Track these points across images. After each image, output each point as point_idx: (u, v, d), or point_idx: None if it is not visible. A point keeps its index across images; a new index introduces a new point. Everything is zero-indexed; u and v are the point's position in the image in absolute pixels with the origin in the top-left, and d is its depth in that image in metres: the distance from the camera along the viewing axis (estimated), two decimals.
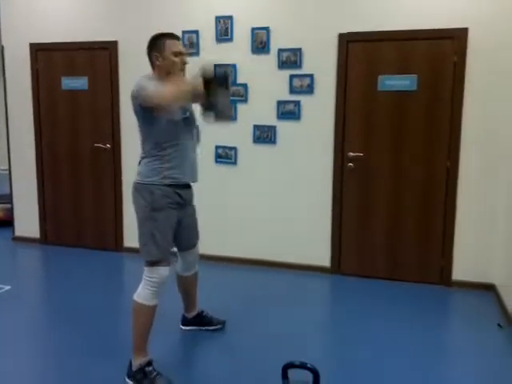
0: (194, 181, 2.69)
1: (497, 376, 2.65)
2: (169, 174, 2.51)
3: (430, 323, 3.29)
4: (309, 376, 2.33)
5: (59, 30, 4.73)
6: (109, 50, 4.61)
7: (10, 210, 5.28)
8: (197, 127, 2.71)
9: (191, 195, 2.77)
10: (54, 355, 2.84)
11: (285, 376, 2.41)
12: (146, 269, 2.52)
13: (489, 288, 3.84)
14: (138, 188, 2.55)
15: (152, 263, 2.50)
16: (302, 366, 2.40)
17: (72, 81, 4.78)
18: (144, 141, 2.56)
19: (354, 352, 2.89)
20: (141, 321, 2.52)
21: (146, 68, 4.59)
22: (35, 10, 4.78)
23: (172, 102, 2.34)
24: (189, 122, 2.60)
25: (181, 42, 2.58)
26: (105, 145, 4.77)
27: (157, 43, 2.52)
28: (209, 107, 2.32)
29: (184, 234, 2.75)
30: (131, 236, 4.79)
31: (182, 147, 2.53)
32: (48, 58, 4.83)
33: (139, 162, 2.60)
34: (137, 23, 4.49)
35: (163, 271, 2.51)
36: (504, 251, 3.65)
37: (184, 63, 2.55)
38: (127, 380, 2.52)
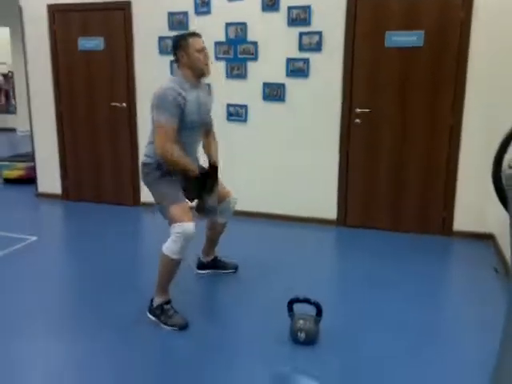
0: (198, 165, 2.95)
1: (488, 312, 2.88)
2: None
3: (432, 270, 3.49)
4: (312, 311, 2.59)
5: None
6: (123, 10, 4.73)
7: (33, 168, 5.55)
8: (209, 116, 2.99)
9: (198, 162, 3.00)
10: (80, 293, 3.16)
11: (290, 309, 2.67)
12: (171, 227, 2.68)
13: (488, 237, 4.02)
14: (146, 165, 2.78)
15: (173, 219, 2.66)
16: (306, 300, 2.65)
17: (88, 41, 4.93)
18: (153, 127, 2.75)
19: (357, 294, 3.12)
20: (166, 269, 2.72)
21: (159, 28, 4.73)
22: None
23: (167, 163, 2.68)
24: (200, 108, 2.80)
25: (202, 39, 2.76)
26: (121, 104, 4.96)
27: (181, 43, 2.71)
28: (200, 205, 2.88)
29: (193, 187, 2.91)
30: (148, 192, 5.03)
31: (188, 142, 2.79)
32: (65, 19, 4.97)
33: (148, 143, 2.82)
34: None
35: (187, 226, 2.63)
36: None
37: (207, 58, 2.76)
38: (148, 314, 2.79)
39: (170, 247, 2.67)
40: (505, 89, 3.80)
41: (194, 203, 2.88)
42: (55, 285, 3.28)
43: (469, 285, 3.27)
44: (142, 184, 5.03)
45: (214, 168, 2.88)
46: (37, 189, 5.51)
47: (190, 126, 2.75)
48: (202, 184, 2.80)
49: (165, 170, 2.74)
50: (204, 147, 3.10)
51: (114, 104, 4.98)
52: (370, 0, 4.01)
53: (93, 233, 4.31)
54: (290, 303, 2.65)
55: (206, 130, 3.04)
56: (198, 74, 2.76)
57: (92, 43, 4.92)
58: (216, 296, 3.18)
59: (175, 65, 2.79)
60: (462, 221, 4.11)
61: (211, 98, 3.05)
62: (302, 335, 2.53)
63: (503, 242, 3.71)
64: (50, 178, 5.40)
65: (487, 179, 3.95)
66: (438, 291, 3.18)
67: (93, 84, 5.02)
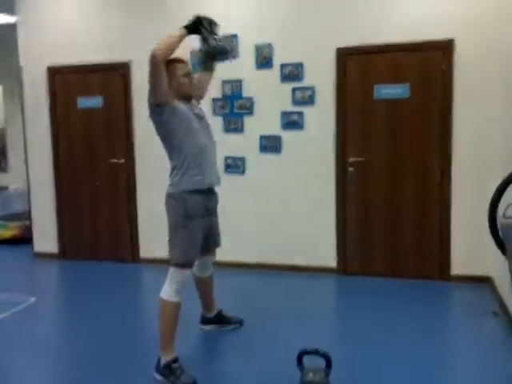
0: (218, 183, 2.96)
1: (494, 359, 2.90)
2: (198, 180, 2.77)
3: (432, 316, 3.51)
4: (322, 363, 2.60)
5: (74, 52, 5.04)
6: (122, 70, 4.93)
7: (28, 227, 5.52)
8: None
9: (217, 201, 3.03)
10: (81, 359, 3.07)
11: (300, 362, 2.67)
12: (172, 269, 2.75)
13: (486, 280, 4.08)
14: (172, 197, 2.80)
15: (179, 265, 2.74)
16: (316, 352, 2.66)
17: (87, 100, 5.09)
18: (170, 154, 2.83)
19: (362, 345, 3.11)
20: (167, 317, 2.74)
21: None
22: (51, 32, 5.10)
23: (169, 47, 2.65)
24: (203, 126, 2.88)
25: (188, 64, 2.91)
26: (119, 160, 5.07)
27: (169, 68, 2.80)
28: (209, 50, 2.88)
29: (208, 238, 2.97)
30: (147, 247, 5.07)
31: (202, 152, 2.80)
32: (64, 80, 5.15)
33: (170, 174, 2.85)
34: (148, 45, 4.78)
35: (187, 272, 2.77)
36: None
37: (192, 82, 2.89)
38: (155, 375, 2.75)
39: (167, 291, 2.73)
40: (489, 130, 3.99)
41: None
42: (57, 349, 3.23)
43: (470, 332, 3.27)
44: (140, 240, 5.07)
45: (196, 17, 2.84)
46: (33, 248, 5.46)
47: (190, 129, 2.76)
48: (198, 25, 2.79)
49: (190, 206, 2.74)
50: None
51: (112, 160, 5.08)
52: (358, 56, 4.24)
53: (92, 292, 4.27)
54: (300, 356, 2.65)
55: None
56: (185, 96, 2.83)
57: (91, 102, 5.07)
58: (222, 351, 3.15)
59: None
60: (460, 264, 4.18)
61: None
62: None
63: (501, 284, 3.77)
64: (46, 237, 5.37)
65: (481, 221, 4.06)
66: (441, 339, 3.18)
67: (91, 141, 5.14)
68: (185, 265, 2.76)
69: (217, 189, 3.03)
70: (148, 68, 2.65)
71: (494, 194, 1.29)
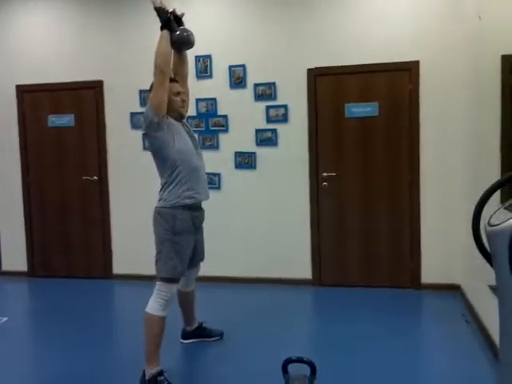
0: (207, 197, 3.03)
1: (466, 364, 3.05)
2: (189, 195, 2.82)
3: (404, 324, 3.65)
4: (306, 371, 2.65)
5: (45, 71, 5.01)
6: (94, 88, 4.93)
7: None
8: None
9: (203, 216, 3.10)
10: (56, 380, 2.99)
11: (285, 371, 2.72)
12: (159, 284, 2.78)
13: (455, 288, 4.27)
14: (161, 212, 2.83)
15: (167, 280, 2.76)
16: (300, 360, 2.72)
17: (58, 118, 5.05)
18: (162, 169, 2.86)
19: (340, 353, 3.20)
20: (153, 331, 2.76)
21: (130, 104, 4.96)
22: (20, 50, 5.05)
23: (164, 51, 2.76)
24: (194, 144, 2.95)
25: (178, 84, 2.97)
26: (92, 177, 5.03)
27: None
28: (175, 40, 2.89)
29: (194, 253, 3.00)
30: (120, 263, 5.02)
31: (194, 168, 2.86)
32: (34, 98, 5.10)
33: (160, 190, 2.89)
34: (121, 63, 4.85)
35: (174, 287, 2.82)
36: (466, 254, 4.11)
37: (183, 101, 2.95)
38: None
39: (154, 306, 2.75)
40: (453, 145, 4.23)
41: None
42: (30, 369, 3.17)
43: (442, 338, 3.41)
44: (114, 256, 5.03)
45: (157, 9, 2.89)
46: (0, 267, 5.32)
47: (184, 150, 2.81)
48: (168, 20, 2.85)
49: (179, 222, 2.78)
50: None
51: (85, 178, 5.04)
52: (329, 77, 4.43)
53: (65, 310, 4.19)
54: (285, 364, 2.70)
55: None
56: (176, 115, 2.90)
57: (62, 120, 5.04)
58: (205, 364, 3.16)
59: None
60: (430, 273, 4.36)
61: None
62: None
63: (470, 291, 3.96)
64: (15, 255, 5.25)
65: (450, 231, 4.28)
66: (415, 344, 3.33)
67: (63, 159, 5.08)
68: (172, 280, 2.78)
69: None
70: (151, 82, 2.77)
71: (477, 204, 1.38)
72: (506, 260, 1.14)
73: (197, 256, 3.09)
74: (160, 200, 2.86)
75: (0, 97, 5.17)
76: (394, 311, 3.91)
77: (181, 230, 2.81)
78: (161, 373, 2.76)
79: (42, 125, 5.09)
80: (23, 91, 5.10)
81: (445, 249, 4.31)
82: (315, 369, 2.65)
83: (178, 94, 2.91)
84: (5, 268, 5.31)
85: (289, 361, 2.72)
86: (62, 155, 5.09)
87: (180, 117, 2.95)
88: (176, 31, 2.88)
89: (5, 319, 3.95)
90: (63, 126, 5.04)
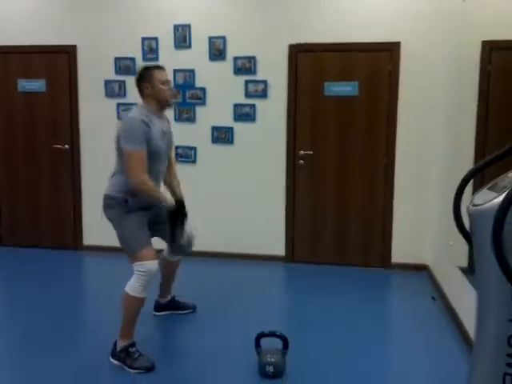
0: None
1: (431, 339, 3.15)
2: (140, 195, 2.75)
3: (374, 301, 3.74)
4: (278, 344, 2.69)
5: (16, 33, 4.78)
6: (68, 53, 4.74)
7: None
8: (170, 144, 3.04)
9: (161, 212, 2.94)
10: (29, 344, 3.01)
11: (258, 344, 2.75)
12: (134, 265, 2.70)
13: (423, 268, 4.38)
14: (112, 196, 2.77)
15: (138, 257, 2.69)
16: (272, 334, 2.76)
17: (29, 83, 4.85)
18: (120, 158, 2.77)
19: (311, 327, 3.28)
20: (131, 310, 2.72)
21: (105, 72, 4.81)
22: None
23: (140, 192, 2.70)
24: (166, 142, 2.89)
25: (166, 72, 2.88)
26: (63, 146, 4.88)
27: (146, 74, 2.80)
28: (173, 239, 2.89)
29: (166, 228, 2.92)
30: (90, 234, 4.94)
31: (156, 165, 2.80)
32: (4, 60, 4.87)
33: (112, 176, 2.83)
34: (96, 29, 4.67)
35: (150, 265, 2.68)
36: (434, 236, 4.22)
37: (170, 89, 2.87)
38: (111, 359, 2.74)
39: (133, 287, 2.69)
40: (430, 129, 4.28)
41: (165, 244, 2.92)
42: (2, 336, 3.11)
43: (410, 314, 3.51)
44: (84, 226, 4.94)
45: (180, 203, 2.92)
46: None
47: (156, 154, 2.76)
48: (173, 220, 2.84)
49: (130, 204, 2.74)
50: (166, 183, 3.12)
51: (56, 146, 4.88)
52: (310, 54, 4.38)
53: (34, 280, 4.12)
54: (257, 338, 2.73)
55: (169, 162, 3.06)
56: (162, 104, 2.84)
57: (33, 85, 4.84)
58: (178, 336, 3.18)
59: (140, 97, 2.85)
60: (399, 254, 4.46)
61: (171, 130, 3.07)
62: (270, 369, 2.61)
63: (437, 271, 4.08)
64: None
65: (421, 214, 4.37)
66: (384, 320, 3.44)
67: (34, 126, 4.91)
68: (143, 255, 2.69)
69: None
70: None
71: (460, 183, 1.38)
72: (488, 240, 1.15)
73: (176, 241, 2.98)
74: (111, 186, 2.81)
75: None
76: (363, 289, 3.99)
77: (133, 208, 2.75)
78: (132, 344, 2.75)
79: (12, 89, 4.88)
80: None
81: (416, 230, 4.40)
82: (287, 342, 2.69)
83: (166, 82, 2.84)
84: None
85: (261, 335, 2.75)
86: (32, 122, 4.91)
87: (165, 106, 2.88)
88: (181, 235, 2.87)
89: None
90: (34, 91, 4.85)
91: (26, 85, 4.86)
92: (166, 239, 3.05)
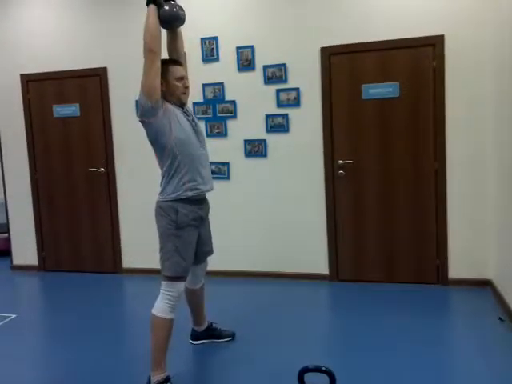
0: (211, 188, 2.79)
1: (497, 367, 2.72)
2: (190, 186, 2.60)
3: (431, 321, 3.35)
4: (324, 380, 2.39)
5: (49, 59, 4.84)
6: (99, 76, 4.73)
7: (7, 240, 5.31)
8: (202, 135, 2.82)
9: (208, 209, 2.88)
10: (73, 376, 2.87)
11: (301, 381, 2.46)
12: (164, 283, 2.60)
13: (486, 284, 3.91)
14: (163, 206, 2.62)
15: (172, 278, 2.58)
16: (318, 369, 2.45)
17: (63, 108, 4.87)
18: (160, 159, 2.64)
19: (361, 356, 2.93)
20: (159, 335, 2.58)
21: (135, 92, 4.72)
22: (23, 38, 4.89)
23: (151, 27, 2.47)
24: (195, 130, 2.70)
25: (182, 67, 2.70)
26: (99, 169, 4.85)
27: (162, 69, 2.61)
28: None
29: (199, 247, 2.80)
30: (129, 258, 4.86)
31: (195, 157, 2.63)
32: (39, 87, 4.93)
33: (161, 182, 2.68)
34: (125, 50, 4.61)
35: (180, 286, 2.62)
36: (497, 247, 3.75)
37: (186, 87, 2.69)
38: None
39: (161, 307, 2.58)
40: (481, 128, 3.85)
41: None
42: (43, 368, 3.00)
43: (477, 339, 3.08)
44: (123, 250, 4.86)
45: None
46: (12, 261, 5.25)
47: (187, 139, 2.60)
48: None
49: (181, 216, 2.59)
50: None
51: (92, 169, 4.86)
52: (344, 55, 4.08)
53: (75, 305, 4.06)
54: (301, 374, 2.44)
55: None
56: (176, 102, 2.66)
57: (68, 110, 4.86)
58: (216, 367, 2.92)
59: None
60: (457, 268, 4.01)
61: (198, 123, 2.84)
62: None
63: (502, 286, 3.61)
64: (25, 249, 5.17)
65: (479, 223, 3.92)
66: (443, 344, 3.02)
67: (70, 150, 4.92)
68: (177, 278, 2.59)
69: None
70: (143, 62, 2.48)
71: None
72: None
73: (203, 249, 2.87)
74: (161, 193, 2.66)
75: (5, 86, 5.03)
76: (418, 308, 3.59)
77: (183, 223, 2.60)
78: (167, 379, 2.59)
79: (48, 115, 4.94)
80: (27, 80, 4.93)
81: (474, 243, 3.94)
82: (335, 379, 2.39)
83: (181, 78, 2.66)
84: (16, 262, 5.24)
85: (305, 370, 2.46)
86: (68, 147, 4.93)
87: (180, 103, 2.69)
88: (164, 7, 2.59)
89: (13, 316, 3.85)
90: (69, 115, 4.87)
91: (60, 110, 4.89)
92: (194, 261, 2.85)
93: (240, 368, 2.87)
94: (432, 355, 2.89)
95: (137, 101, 4.61)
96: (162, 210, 2.63)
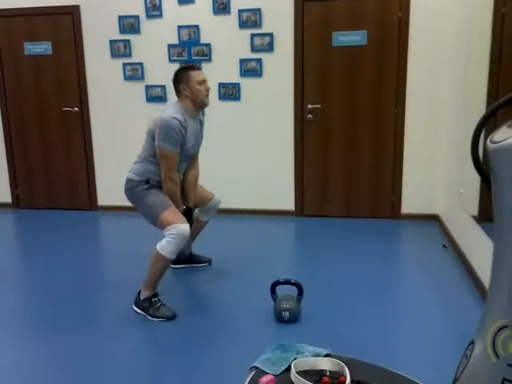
0: (181, 175, 3.08)
1: (443, 286, 3.23)
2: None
3: (383, 246, 3.83)
4: (293, 291, 2.78)
5: None
6: (71, 14, 4.69)
7: None
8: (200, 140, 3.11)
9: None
10: (54, 296, 3.14)
11: (273, 292, 2.85)
12: (165, 230, 2.75)
13: (434, 218, 4.43)
14: (132, 181, 2.86)
15: (165, 222, 2.75)
16: (287, 281, 2.84)
17: (35, 46, 4.82)
18: (148, 148, 2.85)
19: (323, 269, 3.38)
20: (159, 267, 2.78)
21: (109, 32, 4.74)
22: None
23: (167, 189, 2.84)
24: (197, 136, 2.96)
25: (201, 71, 2.88)
26: (73, 108, 4.90)
27: (183, 76, 2.82)
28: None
29: None
30: (104, 195, 5.04)
31: (182, 158, 2.89)
32: (9, 24, 4.83)
33: (135, 162, 2.91)
34: None
35: (182, 227, 2.73)
36: (445, 185, 4.24)
37: (207, 90, 2.88)
38: (134, 307, 2.87)
39: (166, 248, 2.72)
40: (440, 77, 4.22)
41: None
42: (28, 290, 3.24)
43: (422, 262, 3.57)
44: (98, 188, 5.02)
45: (189, 211, 3.01)
46: None
47: (186, 154, 2.89)
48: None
49: (152, 182, 2.85)
50: (184, 180, 3.10)
51: (65, 109, 4.91)
52: (316, 3, 4.28)
53: (50, 240, 4.24)
54: (273, 286, 2.83)
55: (193, 158, 3.13)
56: (199, 105, 2.88)
57: (39, 47, 4.82)
58: (197, 287, 3.28)
59: (176, 98, 2.89)
60: (410, 204, 4.49)
61: (202, 131, 3.13)
62: (286, 314, 2.71)
63: (447, 219, 4.11)
64: None
65: (429, 164, 4.37)
66: (394, 265, 3.49)
67: (42, 89, 4.93)
68: (171, 216, 2.76)
69: None
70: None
71: (480, 120, 1.33)
72: (509, 176, 1.14)
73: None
74: (134, 173, 2.88)
75: None
76: (373, 239, 4.05)
77: (153, 186, 2.87)
78: (155, 295, 2.87)
79: (19, 53, 4.88)
80: None
81: (426, 180, 4.42)
82: (302, 289, 2.78)
83: (203, 82, 2.85)
84: None
85: (277, 283, 2.84)
86: (40, 85, 4.93)
87: (203, 106, 2.92)
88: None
89: None
90: (40, 54, 4.84)
91: (32, 48, 4.84)
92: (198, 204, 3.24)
93: (218, 287, 3.22)
94: (382, 271, 3.37)
95: (112, 40, 4.66)
96: (133, 182, 2.86)
